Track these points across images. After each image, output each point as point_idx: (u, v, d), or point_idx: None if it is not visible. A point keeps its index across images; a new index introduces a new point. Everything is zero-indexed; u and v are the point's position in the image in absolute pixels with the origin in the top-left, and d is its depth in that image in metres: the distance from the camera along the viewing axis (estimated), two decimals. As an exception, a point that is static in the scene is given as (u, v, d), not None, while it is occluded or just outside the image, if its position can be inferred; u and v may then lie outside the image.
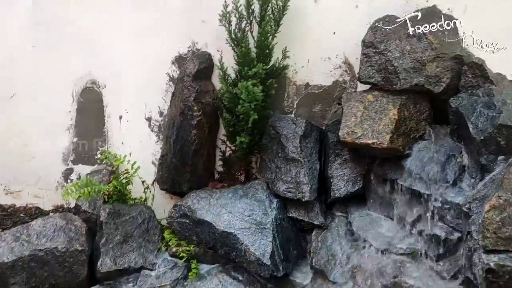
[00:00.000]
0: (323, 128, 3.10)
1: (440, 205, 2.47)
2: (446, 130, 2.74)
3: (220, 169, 3.33)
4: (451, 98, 2.64)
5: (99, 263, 2.84)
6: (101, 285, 2.85)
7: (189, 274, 2.94)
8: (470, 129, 2.45)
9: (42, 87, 3.43)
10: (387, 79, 2.74)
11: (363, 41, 2.80)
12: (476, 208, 2.20)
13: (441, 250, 2.44)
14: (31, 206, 3.60)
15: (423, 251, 2.49)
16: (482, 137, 2.37)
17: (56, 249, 2.76)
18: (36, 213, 3.53)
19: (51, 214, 3.32)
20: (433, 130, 2.75)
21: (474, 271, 2.12)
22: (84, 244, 2.84)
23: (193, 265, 2.96)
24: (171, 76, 3.28)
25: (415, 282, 2.39)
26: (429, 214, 2.50)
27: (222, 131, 3.25)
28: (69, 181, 3.53)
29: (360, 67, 2.82)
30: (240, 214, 2.90)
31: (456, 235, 2.42)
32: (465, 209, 2.29)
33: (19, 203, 3.62)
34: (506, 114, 2.33)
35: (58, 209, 3.53)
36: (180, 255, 2.97)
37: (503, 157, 2.33)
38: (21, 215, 3.51)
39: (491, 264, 2.01)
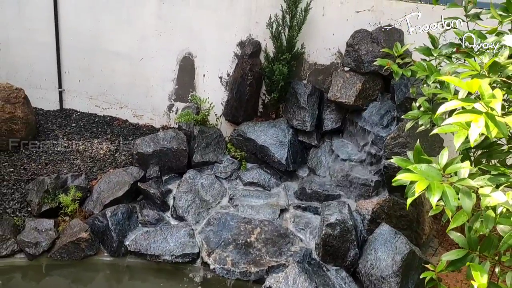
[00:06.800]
0: (323, 90, 5.31)
1: (375, 137, 4.70)
2: (389, 96, 4.90)
3: (261, 110, 5.63)
4: (391, 79, 4.77)
5: (193, 157, 5.27)
6: (194, 169, 5.30)
7: (241, 167, 5.35)
8: (395, 98, 4.61)
9: (159, 55, 5.75)
10: (358, 65, 4.88)
11: (347, 43, 4.92)
12: (386, 138, 4.42)
13: (373, 160, 4.70)
14: (148, 125, 6.07)
15: (365, 160, 4.77)
16: (399, 103, 4.54)
17: (172, 148, 5.19)
18: (152, 129, 5.99)
19: (160, 130, 5.77)
20: (381, 96, 4.92)
21: (381, 167, 4.40)
22: (186, 146, 5.26)
23: (243, 163, 5.37)
24: (236, 53, 5.50)
25: (358, 174, 4.68)
26: (370, 141, 4.74)
27: (263, 88, 5.52)
28: (171, 111, 5.94)
29: (344, 57, 4.97)
30: (271, 136, 5.22)
31: (382, 153, 4.66)
32: (384, 139, 4.51)
33: (141, 122, 6.10)
34: (411, 91, 4.45)
35: (164, 128, 5.98)
36: (236, 156, 5.37)
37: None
38: (143, 129, 5.98)
39: (386, 163, 4.27)
